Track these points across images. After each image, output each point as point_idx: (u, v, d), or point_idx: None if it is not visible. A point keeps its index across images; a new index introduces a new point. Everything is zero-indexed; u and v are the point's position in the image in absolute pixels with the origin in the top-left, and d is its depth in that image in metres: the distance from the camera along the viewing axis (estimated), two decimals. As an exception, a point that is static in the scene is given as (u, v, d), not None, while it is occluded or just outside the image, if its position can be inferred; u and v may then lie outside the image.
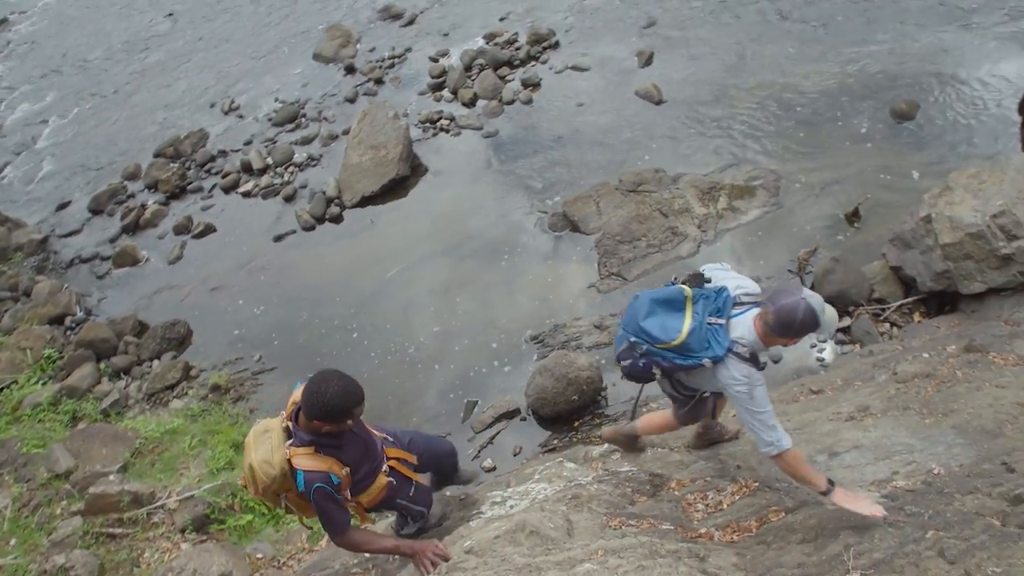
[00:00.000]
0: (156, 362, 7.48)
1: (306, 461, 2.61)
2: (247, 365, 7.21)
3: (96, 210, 9.99)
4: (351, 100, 10.51)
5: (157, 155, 10.51)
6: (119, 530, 5.20)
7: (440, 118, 9.55)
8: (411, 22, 11.99)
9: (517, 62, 10.17)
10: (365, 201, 8.64)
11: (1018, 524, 2.36)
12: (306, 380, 2.64)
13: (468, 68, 10.22)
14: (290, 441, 2.67)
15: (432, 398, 6.37)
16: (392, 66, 11.03)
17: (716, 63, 9.11)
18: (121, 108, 12.33)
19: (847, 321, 5.77)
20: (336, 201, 8.77)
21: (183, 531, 5.18)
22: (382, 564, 3.68)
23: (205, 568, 4.44)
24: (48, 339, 7.80)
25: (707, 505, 3.38)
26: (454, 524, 3.54)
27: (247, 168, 9.73)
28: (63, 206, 10.35)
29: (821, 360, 5.62)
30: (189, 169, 10.16)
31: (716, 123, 8.25)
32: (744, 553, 2.82)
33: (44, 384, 7.28)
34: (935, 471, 3.12)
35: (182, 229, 9.15)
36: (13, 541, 5.30)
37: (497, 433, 5.88)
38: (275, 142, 10.12)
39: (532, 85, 9.65)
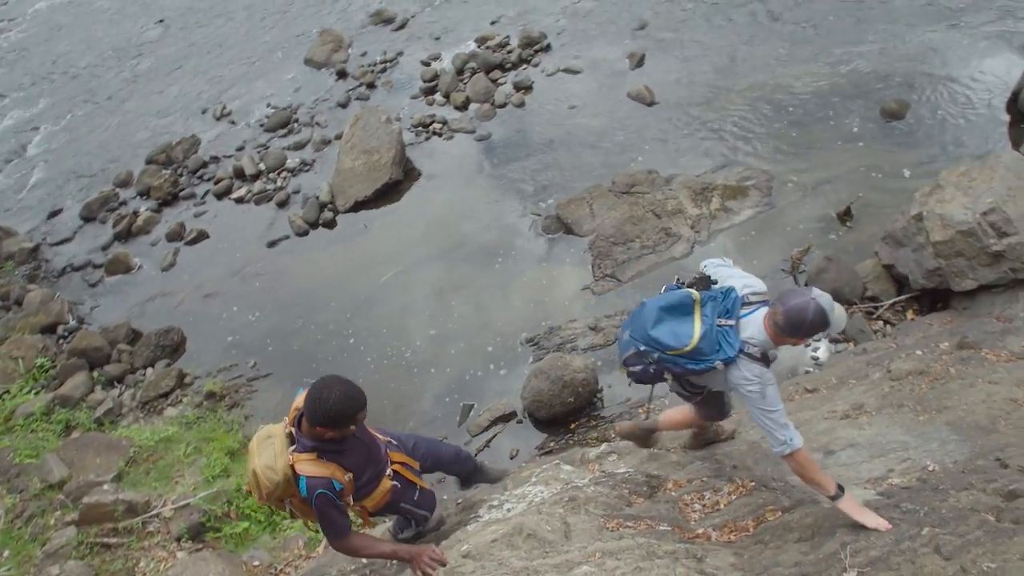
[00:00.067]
0: (150, 370, 7.44)
1: (309, 467, 2.61)
2: (242, 371, 7.18)
3: (88, 217, 9.94)
4: (343, 105, 10.50)
5: (149, 162, 10.47)
6: (114, 540, 5.16)
7: (433, 122, 9.55)
8: (402, 26, 12.00)
9: (509, 65, 10.19)
10: (358, 206, 8.63)
11: (1012, 520, 2.37)
12: (308, 386, 2.64)
13: (460, 72, 10.23)
14: (293, 447, 2.67)
15: (428, 402, 6.36)
16: (384, 70, 11.02)
17: (708, 64, 9.15)
18: (112, 115, 12.28)
19: (841, 320, 5.79)
20: (329, 206, 8.75)
21: (179, 540, 5.15)
22: (380, 570, 3.66)
23: (201, 576, 4.41)
24: (40, 348, 7.75)
25: (704, 505, 3.38)
26: (451, 528, 3.53)
27: (240, 174, 9.70)
28: (54, 214, 10.30)
29: (816, 359, 5.64)
30: (181, 175, 10.13)
31: (708, 124, 8.29)
32: (741, 553, 2.83)
33: (37, 394, 7.22)
34: (930, 468, 3.13)
35: (175, 236, 9.11)
36: (6, 553, 5.26)
37: (493, 436, 5.87)
38: (267, 148, 10.10)
39: (524, 88, 9.67)
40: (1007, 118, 7.26)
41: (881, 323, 5.72)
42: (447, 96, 9.92)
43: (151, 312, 8.23)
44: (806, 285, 6.02)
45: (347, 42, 11.89)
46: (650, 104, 8.80)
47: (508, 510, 3.57)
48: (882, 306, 5.79)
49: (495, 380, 6.36)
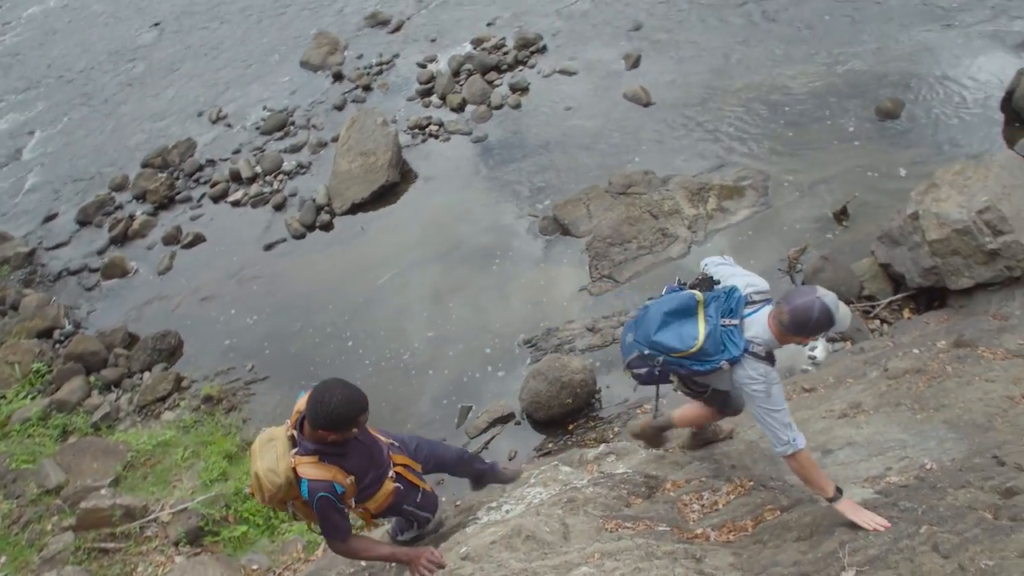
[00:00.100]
0: (147, 374, 7.42)
1: (311, 470, 2.62)
2: (239, 375, 7.17)
3: (84, 222, 9.92)
4: (339, 107, 10.50)
5: (145, 165, 10.45)
6: (112, 545, 5.14)
7: (429, 124, 9.55)
8: (398, 28, 12.00)
9: (505, 67, 10.20)
10: (355, 208, 8.63)
11: (1010, 517, 2.38)
12: (310, 388, 2.65)
13: (456, 73, 10.24)
14: (295, 450, 2.67)
15: (426, 404, 6.35)
16: (380, 73, 11.03)
17: (704, 65, 9.17)
18: (108, 118, 12.26)
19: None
20: (326, 209, 8.75)
21: (177, 544, 5.13)
22: (378, 573, 3.65)
23: (199, 581, 4.40)
24: (36, 353, 7.73)
25: (703, 505, 3.38)
26: (450, 530, 3.53)
27: (236, 177, 9.69)
28: (50, 218, 10.27)
29: (813, 358, 5.65)
30: (177, 179, 10.11)
31: (704, 124, 8.30)
32: (740, 552, 2.83)
33: (33, 399, 7.20)
34: (927, 466, 3.13)
35: (171, 239, 9.10)
36: (3, 559, 5.24)
37: (492, 438, 5.87)
38: (264, 150, 10.09)
39: (520, 90, 9.68)
40: (1001, 117, 7.29)
41: (878, 322, 5.74)
42: (443, 98, 9.92)
43: (148, 316, 8.22)
44: (803, 284, 6.04)
45: (343, 44, 11.89)
46: (646, 105, 8.82)
47: (507, 512, 3.56)
48: (879, 305, 5.80)
49: (493, 382, 6.35)
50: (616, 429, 5.48)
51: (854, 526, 2.57)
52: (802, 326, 2.60)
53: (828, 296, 2.59)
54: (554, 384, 5.62)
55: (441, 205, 8.43)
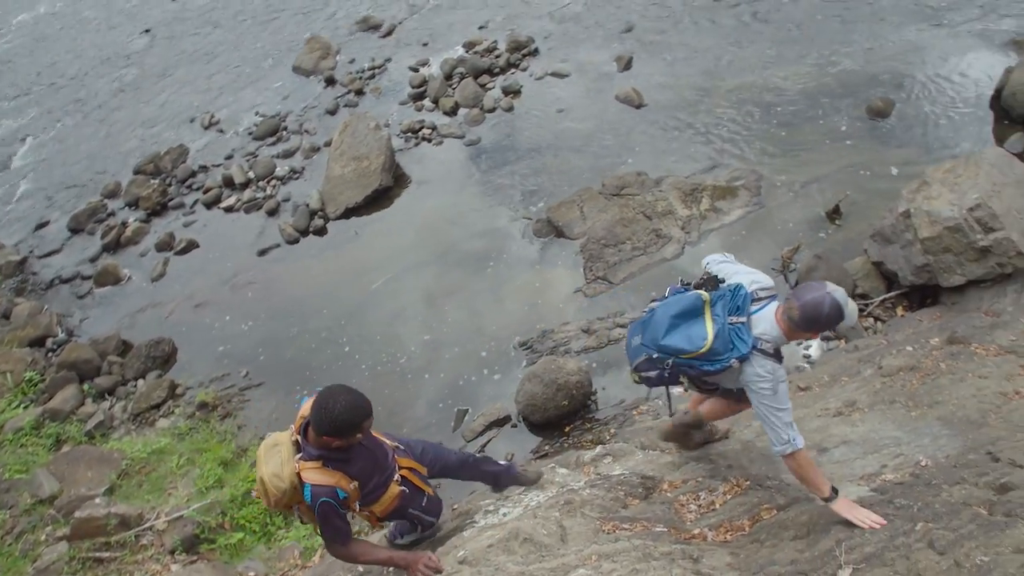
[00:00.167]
0: (141, 381, 7.38)
1: (314, 475, 2.64)
2: (234, 381, 7.13)
3: (76, 229, 9.86)
4: (332, 112, 10.48)
5: (137, 172, 10.41)
6: (106, 554, 5.11)
7: (422, 127, 9.55)
8: (390, 33, 12.00)
9: (497, 70, 10.21)
10: (349, 213, 8.61)
11: (1004, 513, 2.39)
12: (313, 394, 2.68)
13: (448, 77, 10.25)
14: (299, 455, 2.70)
15: (422, 408, 6.34)
16: (372, 77, 11.02)
17: (695, 66, 9.21)
18: (99, 125, 12.21)
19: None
20: (320, 213, 8.73)
21: (173, 552, 5.10)
22: (375, 578, 3.64)
23: (195, 589, 4.37)
24: (29, 362, 7.67)
25: (700, 506, 3.38)
26: (447, 534, 3.52)
27: (229, 183, 9.66)
28: (42, 226, 10.21)
29: (808, 357, 5.67)
30: (170, 185, 10.07)
31: (697, 125, 8.33)
32: (738, 552, 2.83)
33: (26, 408, 7.15)
34: (922, 463, 3.15)
35: (164, 246, 9.06)
36: (-3, 569, 5.20)
37: (488, 441, 5.86)
38: (256, 156, 10.07)
39: (513, 92, 9.69)
40: (991, 114, 7.35)
41: (872, 320, 5.76)
42: (436, 101, 9.92)
43: (141, 323, 8.17)
44: (797, 284, 6.07)
45: (335, 49, 11.88)
46: (638, 106, 8.84)
47: (504, 515, 3.56)
48: (872, 303, 5.83)
49: (489, 384, 6.35)
50: (612, 431, 5.48)
51: (850, 524, 2.58)
52: (813, 321, 2.60)
53: (838, 291, 2.60)
54: (550, 386, 5.62)
55: (435, 209, 8.43)
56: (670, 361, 2.83)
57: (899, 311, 5.75)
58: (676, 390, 3.35)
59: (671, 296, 2.98)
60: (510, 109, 9.44)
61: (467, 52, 10.73)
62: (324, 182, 8.96)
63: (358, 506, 2.84)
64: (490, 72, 10.19)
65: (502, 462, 3.73)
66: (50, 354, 7.99)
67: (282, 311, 7.74)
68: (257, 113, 11.00)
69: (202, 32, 14.23)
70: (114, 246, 9.35)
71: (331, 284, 7.89)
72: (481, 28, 11.31)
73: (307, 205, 8.82)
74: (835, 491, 2.65)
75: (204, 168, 10.22)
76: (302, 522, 2.96)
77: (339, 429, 2.57)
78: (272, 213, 9.04)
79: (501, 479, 3.69)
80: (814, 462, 2.77)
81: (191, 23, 14.70)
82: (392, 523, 3.50)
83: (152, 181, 10.10)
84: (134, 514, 5.30)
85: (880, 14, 9.07)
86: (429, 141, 9.37)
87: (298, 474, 2.65)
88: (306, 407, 2.71)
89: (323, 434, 2.59)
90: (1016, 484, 2.57)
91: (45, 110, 13.25)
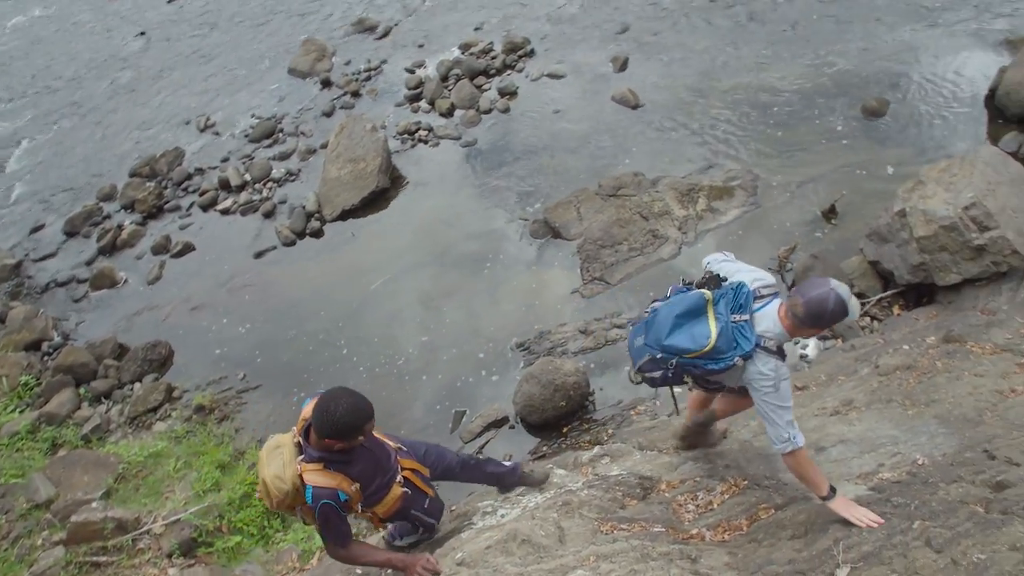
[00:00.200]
0: (137, 385, 7.36)
1: (316, 477, 2.66)
2: (231, 384, 7.12)
3: (71, 232, 9.83)
4: (328, 114, 10.47)
5: (133, 175, 10.38)
6: (103, 558, 5.09)
7: (418, 129, 9.55)
8: (385, 34, 12.00)
9: (493, 71, 10.21)
10: (346, 215, 8.60)
11: (1001, 510, 2.40)
12: (314, 396, 2.69)
13: (444, 78, 10.25)
14: (301, 457, 2.71)
15: (420, 409, 6.33)
16: (368, 79, 11.02)
17: (691, 66, 9.22)
18: (94, 128, 12.17)
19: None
20: (316, 216, 8.72)
21: (170, 556, 5.08)
22: (373, 580, 3.63)
23: (193, 593, 4.35)
24: (25, 366, 7.64)
25: (697, 506, 3.38)
26: (445, 536, 3.51)
27: (225, 185, 9.64)
28: (37, 229, 10.17)
29: (804, 356, 5.68)
30: (166, 188, 10.05)
31: (693, 126, 8.34)
32: (736, 552, 2.83)
33: (22, 412, 7.11)
34: (919, 461, 3.15)
35: (160, 249, 9.03)
36: (-7, 575, 5.17)
37: (486, 442, 5.85)
38: (252, 158, 10.05)
39: (509, 94, 9.70)
40: (985, 114, 7.38)
41: (868, 319, 5.77)
42: (432, 103, 9.92)
43: (138, 326, 8.15)
44: (793, 283, 6.08)
45: (331, 51, 11.87)
46: (634, 107, 8.85)
47: (502, 516, 3.56)
48: (869, 302, 5.84)
49: (487, 386, 6.34)
50: (610, 431, 5.48)
51: (848, 523, 2.58)
52: (818, 318, 2.61)
53: (841, 287, 2.61)
54: (547, 387, 5.62)
55: (432, 210, 8.42)
56: (674, 361, 2.82)
57: (895, 310, 5.76)
58: (678, 390, 3.35)
59: (673, 296, 2.97)
60: (506, 110, 9.45)
61: (463, 53, 10.73)
62: (320, 184, 8.95)
63: (360, 507, 2.86)
64: (486, 73, 10.19)
65: (506, 463, 3.72)
66: (46, 358, 7.96)
67: (279, 313, 7.72)
68: (253, 115, 10.98)
69: (198, 34, 14.21)
70: (110, 249, 9.32)
71: (328, 286, 7.88)
72: (477, 29, 11.31)
73: (303, 207, 8.80)
74: (833, 490, 2.66)
75: (200, 171, 10.20)
76: (305, 523, 2.99)
77: (340, 432, 2.58)
78: (268, 215, 9.02)
79: (505, 480, 3.69)
80: (813, 461, 2.77)
81: (187, 25, 14.68)
82: (392, 524, 3.50)
83: (148, 184, 10.07)
84: (131, 518, 5.28)
85: (875, 14, 9.10)
86: (425, 143, 9.37)
87: (300, 476, 2.67)
88: (308, 409, 2.73)
89: (325, 437, 2.61)
90: (1012, 482, 2.58)
91: (40, 113, 13.21)
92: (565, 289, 6.90)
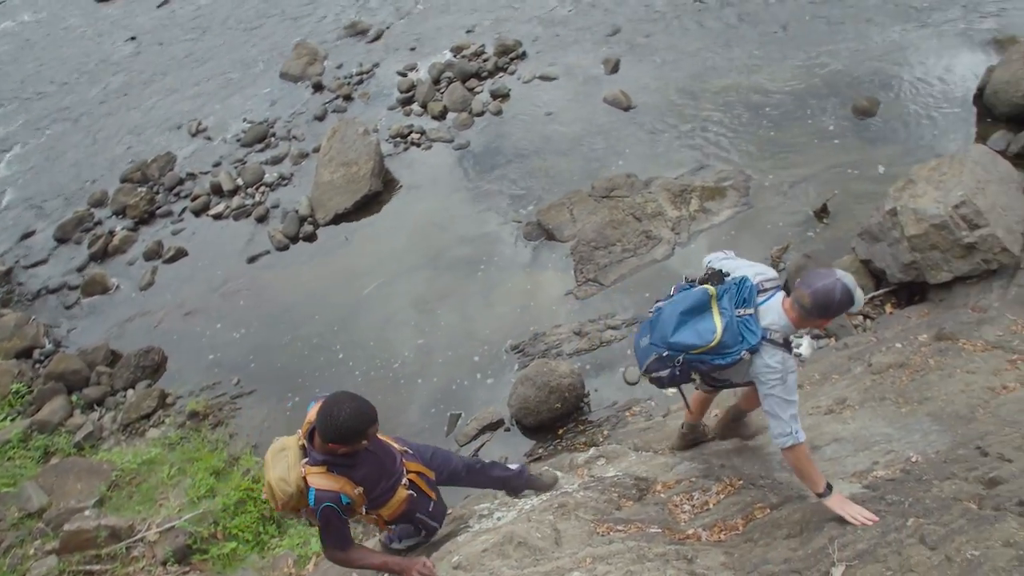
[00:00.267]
0: (130, 391, 7.31)
1: (319, 480, 2.68)
2: (225, 389, 7.08)
3: (62, 239, 9.77)
4: (320, 118, 10.46)
5: (124, 180, 10.33)
6: (97, 567, 5.05)
7: (411, 132, 9.54)
8: (377, 38, 11.99)
9: (485, 74, 10.22)
10: (339, 218, 8.58)
11: (994, 507, 2.41)
12: (319, 399, 2.71)
13: (437, 81, 10.25)
14: (305, 460, 2.73)
15: (416, 413, 6.32)
16: (360, 82, 11.00)
17: (682, 68, 9.25)
18: (85, 134, 12.11)
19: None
20: (309, 220, 8.69)
21: (165, 563, 5.05)
22: (370, 584, 3.62)
23: (188, 600, 4.33)
24: (16, 373, 7.58)
25: (693, 506, 3.39)
26: (442, 539, 3.51)
27: (217, 190, 9.61)
28: (28, 235, 10.10)
29: (798, 355, 5.68)
30: (157, 193, 10.00)
31: (685, 127, 8.37)
32: (732, 552, 2.83)
33: (13, 420, 7.06)
34: (913, 459, 3.17)
35: (152, 254, 8.99)
36: (-15, 585, 5.12)
37: (482, 445, 5.85)
38: (244, 163, 10.02)
39: (501, 96, 9.71)
40: (974, 113, 7.43)
41: (861, 318, 5.80)
42: (424, 106, 9.92)
43: (130, 332, 8.10)
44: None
45: (322, 55, 11.86)
46: (626, 109, 8.87)
47: (498, 519, 3.55)
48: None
49: (482, 388, 6.34)
50: (605, 432, 5.48)
51: (843, 521, 2.59)
52: (825, 308, 2.61)
53: (847, 276, 2.61)
54: (542, 389, 5.62)
55: (425, 213, 8.41)
56: (680, 358, 2.82)
57: (888, 308, 5.79)
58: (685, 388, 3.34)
59: (677, 294, 2.98)
60: (499, 113, 9.46)
61: (455, 56, 10.74)
62: (313, 188, 8.93)
63: (365, 510, 2.89)
64: (478, 76, 10.19)
65: (512, 466, 3.70)
66: (37, 365, 7.90)
67: (273, 318, 7.69)
68: (245, 120, 10.95)
69: (189, 39, 14.16)
70: (101, 255, 9.27)
71: (322, 290, 7.86)
72: (468, 32, 11.32)
73: (296, 211, 8.78)
74: (830, 487, 2.67)
75: (192, 175, 10.16)
76: (309, 524, 3.01)
77: (344, 436, 2.60)
78: (261, 220, 8.99)
79: (512, 483, 3.67)
80: (811, 457, 2.78)
81: (178, 29, 14.63)
82: (393, 526, 3.50)
83: (139, 189, 10.03)
84: (125, 526, 5.24)
85: (865, 15, 9.15)
86: (418, 146, 9.37)
87: (304, 478, 2.68)
88: (312, 412, 2.74)
89: (328, 441, 2.62)
90: (1005, 478, 2.59)
91: (31, 118, 13.13)
92: (559, 291, 6.91)
